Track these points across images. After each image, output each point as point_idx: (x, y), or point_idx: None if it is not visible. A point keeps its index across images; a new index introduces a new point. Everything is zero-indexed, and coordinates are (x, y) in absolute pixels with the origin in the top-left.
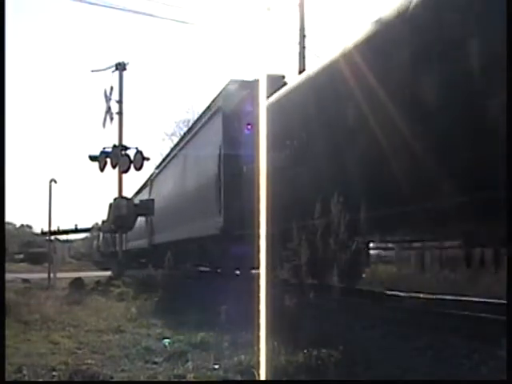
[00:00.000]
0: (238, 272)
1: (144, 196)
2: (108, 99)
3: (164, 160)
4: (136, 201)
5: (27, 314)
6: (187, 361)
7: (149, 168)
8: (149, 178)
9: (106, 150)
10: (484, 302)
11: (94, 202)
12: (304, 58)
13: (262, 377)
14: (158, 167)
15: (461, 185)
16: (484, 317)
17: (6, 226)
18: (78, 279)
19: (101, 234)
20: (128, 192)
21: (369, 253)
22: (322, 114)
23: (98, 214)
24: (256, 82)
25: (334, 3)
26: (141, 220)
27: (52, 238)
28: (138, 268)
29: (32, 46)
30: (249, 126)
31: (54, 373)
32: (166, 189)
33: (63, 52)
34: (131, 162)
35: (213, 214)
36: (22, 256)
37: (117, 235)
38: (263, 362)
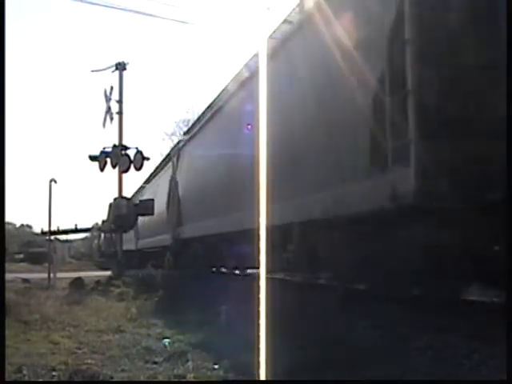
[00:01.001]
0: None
1: (163, 179)
2: (108, 99)
3: (211, 107)
4: (150, 188)
5: (27, 314)
6: (187, 361)
7: (148, 168)
8: (172, 149)
9: (106, 149)
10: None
11: (94, 202)
12: None
13: (262, 377)
14: (188, 131)
15: None
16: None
17: (6, 226)
18: (78, 279)
19: (102, 234)
20: (128, 192)
21: None
22: None
23: (98, 214)
24: None
25: None
26: (159, 210)
27: (52, 237)
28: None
29: (32, 46)
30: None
31: (53, 373)
32: (212, 152)
33: (63, 52)
34: (131, 161)
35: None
36: (22, 256)
37: (117, 235)
38: (263, 362)
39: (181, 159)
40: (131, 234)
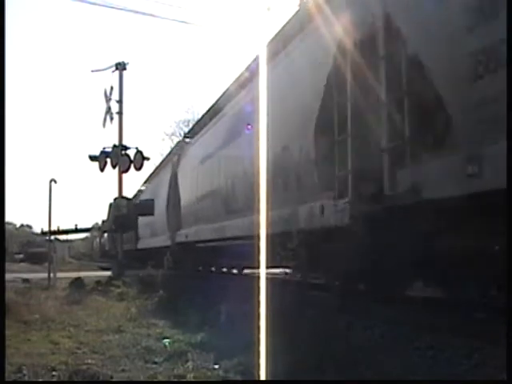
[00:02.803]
0: None
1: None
2: (108, 99)
3: None
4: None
5: (27, 314)
6: (187, 361)
7: (148, 168)
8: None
9: (106, 150)
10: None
11: (94, 202)
12: None
13: (262, 377)
14: None
15: None
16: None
17: (6, 226)
18: (78, 279)
19: (105, 234)
20: (128, 192)
21: None
22: None
23: (98, 214)
24: None
25: None
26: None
27: (52, 237)
28: None
29: (32, 46)
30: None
31: (53, 373)
32: None
33: (63, 52)
34: (131, 161)
35: None
36: (21, 256)
37: (117, 235)
38: (263, 362)
39: None
40: (157, 225)
